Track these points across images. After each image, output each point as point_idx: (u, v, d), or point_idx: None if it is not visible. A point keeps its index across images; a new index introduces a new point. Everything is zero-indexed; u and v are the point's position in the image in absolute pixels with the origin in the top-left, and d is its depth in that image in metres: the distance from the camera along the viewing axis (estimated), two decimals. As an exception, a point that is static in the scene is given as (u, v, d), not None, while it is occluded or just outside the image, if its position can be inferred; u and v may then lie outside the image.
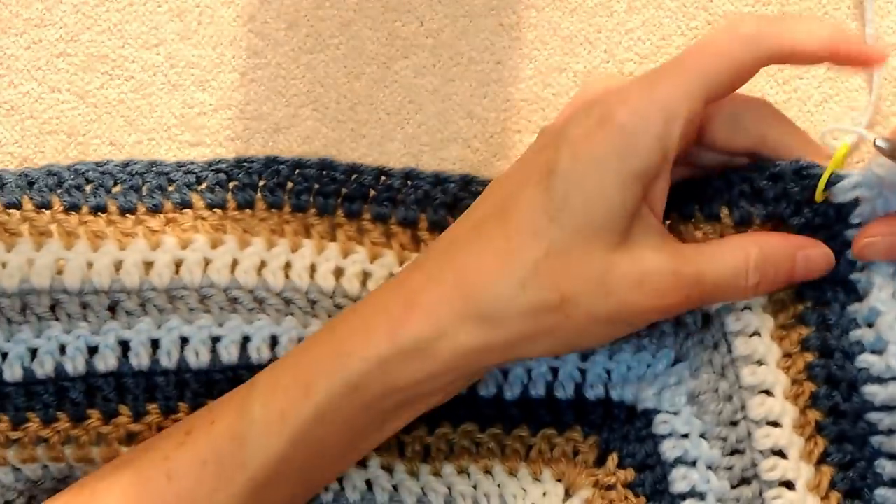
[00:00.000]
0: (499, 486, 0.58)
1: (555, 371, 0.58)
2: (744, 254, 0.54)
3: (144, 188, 0.61)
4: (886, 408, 0.56)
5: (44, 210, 0.60)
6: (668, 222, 0.57)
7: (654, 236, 0.54)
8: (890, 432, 0.56)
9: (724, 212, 0.56)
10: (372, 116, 0.65)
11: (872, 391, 0.56)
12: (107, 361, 0.58)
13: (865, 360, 0.56)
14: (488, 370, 0.57)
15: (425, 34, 0.66)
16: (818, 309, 0.57)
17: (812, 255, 0.56)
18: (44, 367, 0.58)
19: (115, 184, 0.61)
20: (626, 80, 0.56)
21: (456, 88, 0.66)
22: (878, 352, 0.56)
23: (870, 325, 0.56)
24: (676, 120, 0.52)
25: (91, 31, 0.66)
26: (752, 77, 0.54)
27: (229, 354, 0.59)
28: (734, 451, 0.56)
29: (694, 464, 0.56)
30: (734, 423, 0.56)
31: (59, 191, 0.60)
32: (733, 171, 0.56)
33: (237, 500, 0.53)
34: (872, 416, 0.56)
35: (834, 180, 0.55)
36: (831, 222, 0.56)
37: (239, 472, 0.53)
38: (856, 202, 0.55)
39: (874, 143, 0.54)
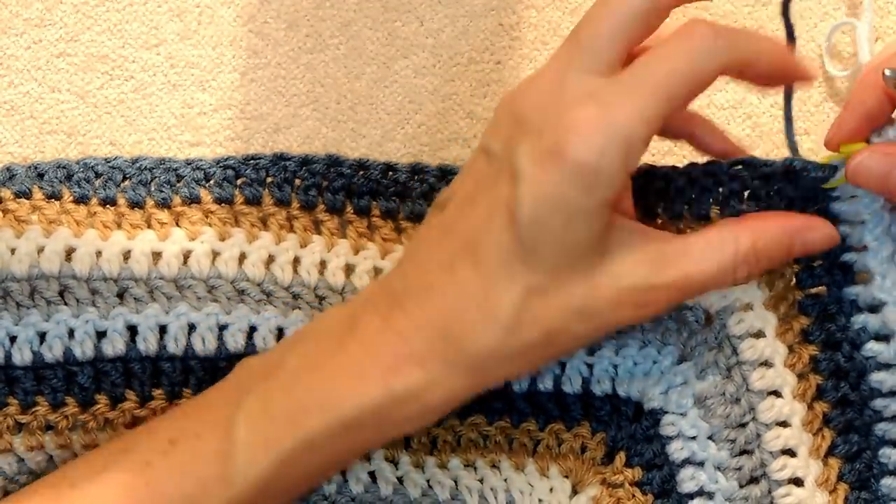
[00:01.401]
0: (505, 480, 0.58)
1: (562, 365, 0.58)
2: (732, 248, 0.53)
3: (153, 183, 0.61)
4: (893, 394, 0.56)
5: (53, 200, 0.60)
6: (659, 221, 0.57)
7: (632, 244, 0.53)
8: (894, 419, 0.56)
9: (715, 211, 0.56)
10: (372, 116, 0.65)
11: (880, 378, 0.56)
12: (115, 346, 0.59)
13: (872, 347, 0.56)
14: None
15: (425, 34, 0.66)
16: (815, 297, 0.57)
17: (809, 238, 0.54)
18: (52, 351, 0.58)
19: (125, 178, 0.61)
20: (559, 83, 0.53)
21: (456, 88, 0.66)
22: (883, 338, 0.56)
23: (872, 310, 0.56)
24: (637, 145, 0.51)
25: (91, 31, 0.66)
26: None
27: (236, 343, 0.59)
28: (743, 452, 0.56)
29: (702, 464, 0.56)
30: (742, 425, 0.56)
31: (68, 183, 0.61)
32: (721, 171, 0.56)
33: None
34: (878, 403, 0.56)
35: (822, 177, 0.55)
36: (814, 197, 0.56)
37: (221, 488, 0.54)
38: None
39: (883, 73, 0.52)
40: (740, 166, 0.56)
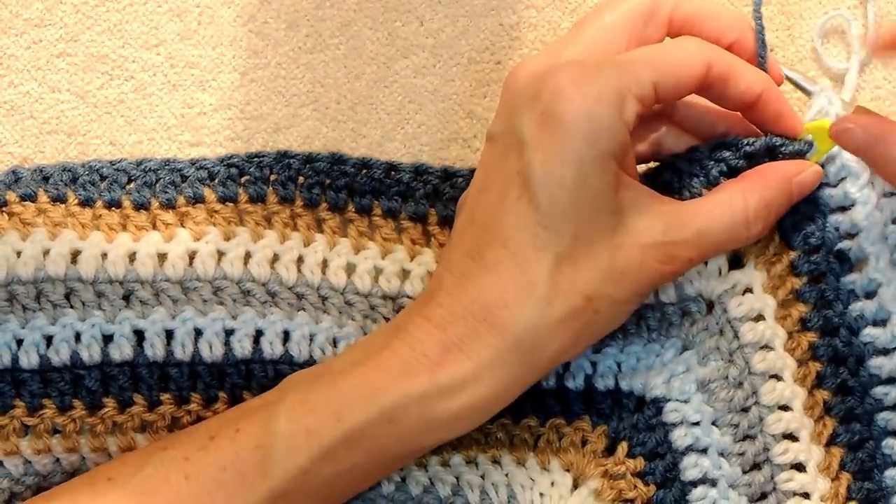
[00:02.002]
0: (507, 475, 0.59)
1: (566, 364, 0.59)
2: (742, 204, 0.55)
3: (158, 184, 0.61)
4: (893, 380, 0.57)
5: (58, 203, 0.60)
6: None
7: (645, 204, 0.54)
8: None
9: (706, 193, 0.57)
10: (372, 116, 0.65)
11: (879, 363, 0.57)
12: (122, 351, 0.59)
13: (870, 333, 0.57)
14: None
15: (425, 34, 0.66)
16: (814, 284, 0.58)
17: (804, 179, 0.57)
18: (59, 355, 0.58)
19: (130, 181, 0.61)
20: (556, 53, 0.56)
21: (456, 88, 0.66)
22: (881, 323, 0.57)
23: (869, 296, 0.57)
24: (628, 97, 0.53)
25: (91, 31, 0.66)
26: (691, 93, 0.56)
27: (243, 349, 0.59)
28: (745, 437, 0.57)
29: (705, 451, 0.57)
30: (745, 410, 0.57)
31: (73, 186, 0.61)
32: (706, 154, 0.57)
33: None
34: (879, 391, 0.57)
35: (799, 152, 0.57)
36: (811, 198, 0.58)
37: (260, 480, 0.54)
38: (825, 162, 0.57)
39: (784, 74, 0.58)
40: (723, 149, 0.57)
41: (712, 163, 0.57)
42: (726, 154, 0.57)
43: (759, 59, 0.57)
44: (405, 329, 0.55)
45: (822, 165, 0.57)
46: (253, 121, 0.65)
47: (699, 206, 0.55)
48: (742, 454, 0.57)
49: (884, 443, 0.57)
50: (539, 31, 0.66)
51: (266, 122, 0.65)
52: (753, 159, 0.57)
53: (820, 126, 0.57)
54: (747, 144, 0.57)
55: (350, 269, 0.61)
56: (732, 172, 0.57)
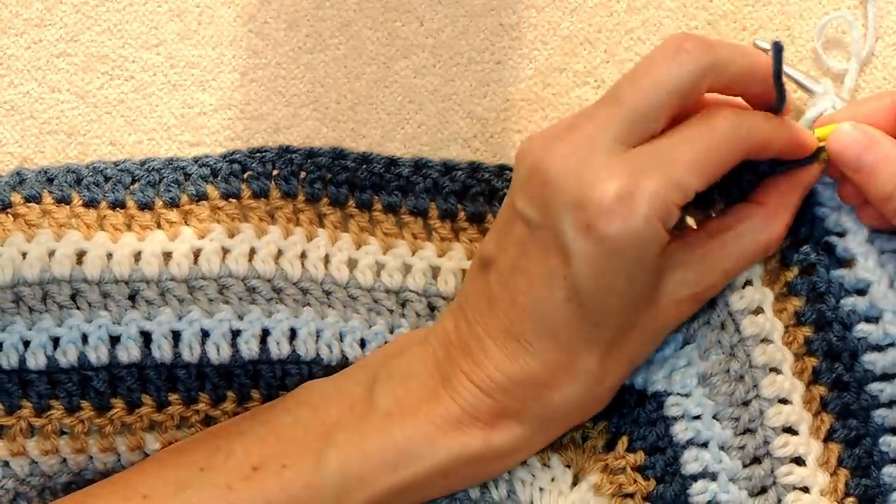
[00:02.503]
0: (507, 471, 0.59)
1: None
2: (766, 237, 0.57)
3: (162, 184, 0.61)
4: (887, 376, 0.57)
5: (63, 205, 0.60)
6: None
7: (678, 259, 0.56)
8: (891, 404, 0.58)
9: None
10: (372, 116, 0.66)
11: (872, 359, 0.57)
12: (129, 353, 0.59)
13: (862, 328, 0.57)
14: None
15: (425, 34, 0.66)
16: (805, 276, 0.58)
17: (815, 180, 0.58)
18: (67, 357, 0.58)
19: (133, 181, 0.61)
20: (587, 145, 0.53)
21: (456, 88, 0.66)
22: (872, 320, 0.57)
23: (860, 293, 0.57)
24: (672, 210, 0.53)
25: (91, 31, 0.66)
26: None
27: (249, 350, 0.59)
28: (746, 431, 0.57)
29: (706, 445, 0.57)
30: (746, 403, 0.57)
31: (78, 187, 0.61)
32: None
33: None
34: (874, 387, 0.57)
35: (816, 154, 0.57)
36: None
37: None
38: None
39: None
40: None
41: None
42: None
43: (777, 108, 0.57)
44: (453, 386, 0.56)
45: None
46: (253, 121, 0.65)
47: (728, 244, 0.56)
48: (742, 448, 0.57)
49: (881, 440, 0.58)
50: (539, 31, 0.66)
51: (266, 122, 0.65)
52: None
53: (829, 130, 0.57)
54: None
55: (352, 264, 0.61)
56: (759, 177, 0.58)
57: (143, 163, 0.62)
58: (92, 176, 0.61)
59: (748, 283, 0.58)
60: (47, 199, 0.60)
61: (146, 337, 0.59)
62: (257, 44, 0.66)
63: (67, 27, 0.66)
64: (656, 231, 0.53)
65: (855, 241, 0.57)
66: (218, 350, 0.59)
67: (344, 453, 0.54)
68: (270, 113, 0.66)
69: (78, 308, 0.59)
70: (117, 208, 0.61)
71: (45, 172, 0.61)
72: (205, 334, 0.59)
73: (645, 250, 0.53)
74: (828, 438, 0.58)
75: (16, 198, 0.60)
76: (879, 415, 0.57)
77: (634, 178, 0.52)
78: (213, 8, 0.66)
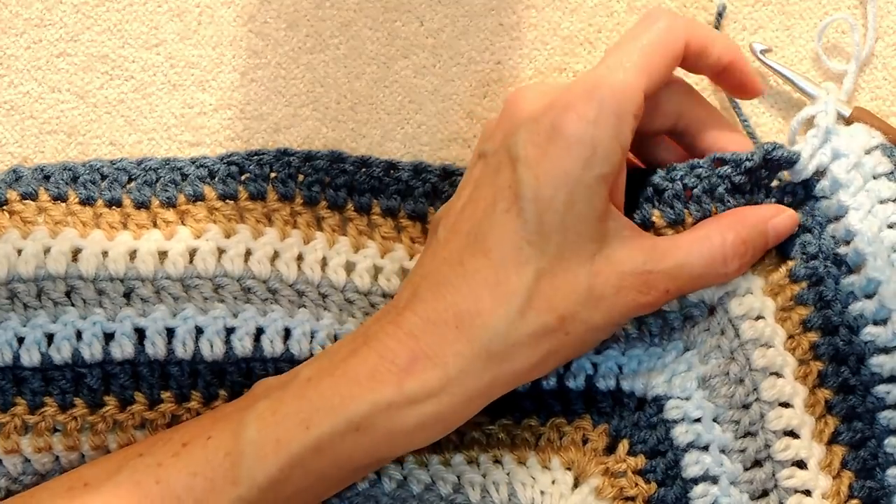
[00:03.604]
0: (508, 474, 0.59)
1: (567, 364, 0.59)
2: (720, 241, 0.56)
3: (158, 183, 0.61)
4: (894, 379, 0.57)
5: (59, 202, 0.60)
6: (654, 223, 0.58)
7: (627, 236, 0.55)
8: None
9: (714, 209, 0.58)
10: (372, 116, 0.65)
11: (880, 361, 0.57)
12: (123, 349, 0.59)
13: (870, 331, 0.57)
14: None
15: (425, 34, 0.66)
16: (813, 288, 0.58)
17: (779, 223, 0.58)
18: (61, 353, 0.58)
19: (130, 180, 0.61)
20: (555, 86, 0.57)
21: (456, 88, 0.66)
22: (881, 322, 0.57)
23: (869, 297, 0.57)
24: (626, 117, 0.54)
25: (91, 31, 0.66)
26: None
27: (244, 347, 0.59)
28: (747, 434, 0.57)
29: (706, 448, 0.57)
30: (746, 406, 0.57)
31: (74, 185, 0.61)
32: (708, 169, 0.58)
33: None
34: (880, 390, 0.57)
35: (790, 160, 0.57)
36: (801, 200, 0.59)
37: (230, 488, 0.54)
38: (816, 175, 0.58)
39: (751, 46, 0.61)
40: (724, 164, 0.57)
41: (717, 179, 0.57)
42: (728, 170, 0.57)
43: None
44: (376, 337, 0.55)
45: (816, 181, 0.58)
46: (253, 121, 0.65)
47: (679, 241, 0.56)
48: (743, 451, 0.57)
49: (886, 441, 0.57)
50: (539, 31, 0.66)
51: (266, 122, 0.65)
52: (753, 173, 0.57)
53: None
54: (747, 160, 0.57)
55: (349, 267, 0.61)
56: (735, 189, 0.57)
57: (139, 162, 0.62)
58: (88, 174, 0.61)
59: (748, 292, 0.58)
60: (43, 196, 0.60)
61: (140, 334, 0.59)
62: (257, 44, 0.66)
63: (67, 27, 0.66)
64: (607, 138, 0.53)
65: (864, 242, 0.57)
66: (212, 346, 0.59)
67: (261, 419, 0.54)
68: (270, 113, 0.65)
69: (73, 305, 0.59)
70: (113, 207, 0.61)
71: (42, 170, 0.61)
72: (199, 331, 0.59)
73: (593, 160, 0.53)
74: (832, 441, 0.57)
75: (12, 195, 0.60)
76: (885, 416, 0.57)
77: (589, 90, 0.54)
78: (213, 8, 0.66)
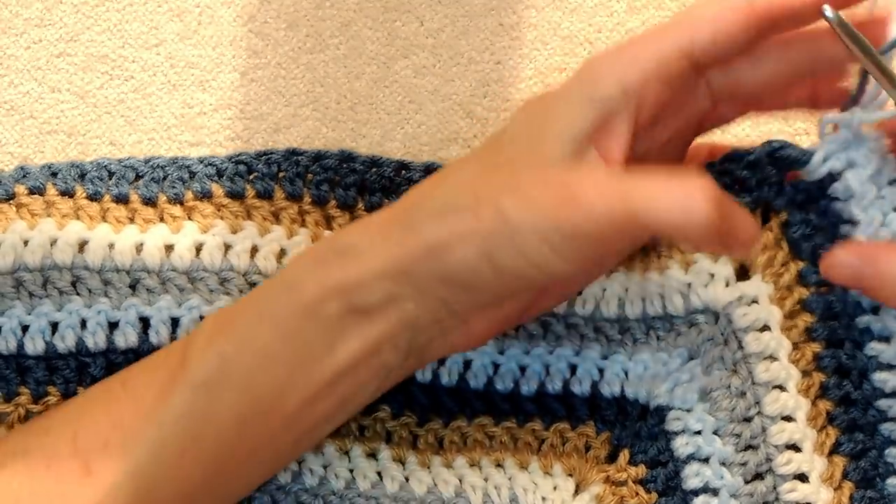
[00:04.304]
0: (509, 478, 0.59)
1: (573, 367, 0.59)
2: (699, 182, 0.48)
3: (166, 181, 0.61)
4: None
5: (67, 197, 0.60)
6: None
7: (595, 170, 0.52)
8: None
9: None
10: (372, 116, 0.65)
11: (882, 378, 0.57)
12: (127, 338, 0.59)
13: (874, 347, 0.57)
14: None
15: (425, 34, 0.66)
16: (822, 294, 0.58)
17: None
18: (65, 342, 0.58)
19: (138, 177, 0.61)
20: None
21: (456, 88, 0.66)
22: (885, 339, 0.57)
23: (875, 313, 0.57)
24: (638, 63, 0.51)
25: (91, 31, 0.66)
26: (749, 44, 0.52)
27: None
28: (748, 447, 0.57)
29: (707, 460, 0.57)
30: (748, 420, 0.57)
31: (81, 181, 0.61)
32: (710, 168, 0.57)
33: (185, 404, 0.53)
34: (882, 404, 0.57)
35: (799, 160, 0.57)
36: (815, 198, 0.57)
37: (181, 374, 0.53)
38: (830, 177, 0.56)
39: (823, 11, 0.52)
40: (728, 162, 0.57)
41: (717, 174, 0.57)
42: (730, 166, 0.57)
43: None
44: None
45: (828, 183, 0.57)
46: (253, 121, 0.65)
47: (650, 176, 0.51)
48: (744, 464, 0.57)
49: (886, 452, 0.57)
50: (539, 31, 0.66)
51: (266, 122, 0.65)
52: (757, 168, 0.57)
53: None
54: (748, 154, 0.57)
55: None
56: (737, 182, 0.57)
57: (147, 160, 0.62)
58: (96, 171, 0.61)
59: (754, 301, 0.57)
60: (51, 191, 0.60)
61: (145, 323, 0.59)
62: (257, 44, 0.66)
63: (67, 27, 0.66)
64: (614, 74, 0.52)
65: None
66: None
67: (210, 317, 0.56)
68: (270, 113, 0.65)
69: (78, 294, 0.59)
70: (121, 202, 0.61)
71: (49, 167, 0.61)
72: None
73: (590, 80, 0.52)
74: (833, 452, 0.57)
75: (19, 189, 0.60)
76: (886, 428, 0.57)
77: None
78: (213, 8, 0.66)
